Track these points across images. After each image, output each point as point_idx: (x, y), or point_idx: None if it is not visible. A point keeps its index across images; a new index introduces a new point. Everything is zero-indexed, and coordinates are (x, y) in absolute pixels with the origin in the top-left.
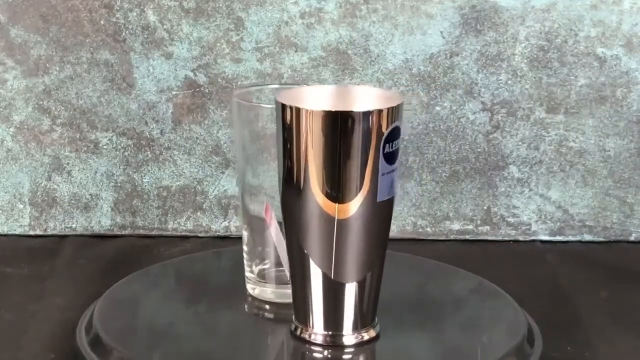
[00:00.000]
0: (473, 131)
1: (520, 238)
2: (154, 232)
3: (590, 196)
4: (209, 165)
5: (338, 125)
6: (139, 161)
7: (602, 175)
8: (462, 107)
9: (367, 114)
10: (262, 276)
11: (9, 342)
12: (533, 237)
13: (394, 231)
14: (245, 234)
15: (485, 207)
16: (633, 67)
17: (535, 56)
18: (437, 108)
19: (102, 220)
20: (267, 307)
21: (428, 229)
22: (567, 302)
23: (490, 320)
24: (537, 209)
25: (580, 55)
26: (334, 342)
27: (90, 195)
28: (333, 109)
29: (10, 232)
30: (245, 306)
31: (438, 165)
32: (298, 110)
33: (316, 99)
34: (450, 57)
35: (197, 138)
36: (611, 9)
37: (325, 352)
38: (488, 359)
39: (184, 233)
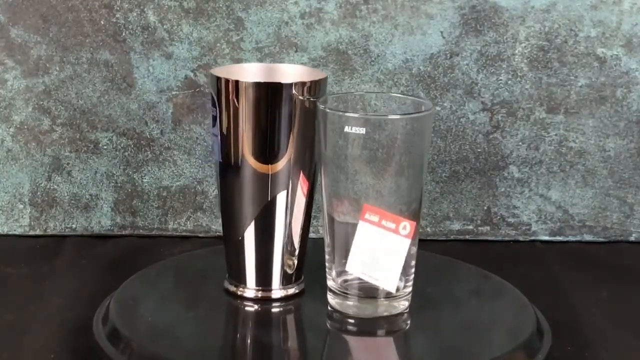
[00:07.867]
0: (473, 131)
1: (520, 238)
2: (154, 233)
3: (590, 196)
4: (209, 165)
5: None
6: (139, 161)
7: (602, 175)
8: (462, 107)
9: (289, 86)
10: (344, 287)
11: (9, 342)
12: (533, 237)
13: None
14: (327, 242)
15: (485, 207)
16: (633, 67)
17: (535, 56)
18: (437, 108)
19: (102, 221)
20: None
21: (428, 229)
22: (567, 302)
23: (499, 315)
24: (537, 209)
25: (580, 56)
26: (263, 297)
27: (90, 195)
28: (262, 81)
29: (10, 232)
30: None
31: (438, 165)
32: (235, 82)
33: (249, 74)
34: (450, 57)
35: (197, 138)
36: (611, 9)
37: (256, 306)
38: (496, 354)
39: (184, 233)
